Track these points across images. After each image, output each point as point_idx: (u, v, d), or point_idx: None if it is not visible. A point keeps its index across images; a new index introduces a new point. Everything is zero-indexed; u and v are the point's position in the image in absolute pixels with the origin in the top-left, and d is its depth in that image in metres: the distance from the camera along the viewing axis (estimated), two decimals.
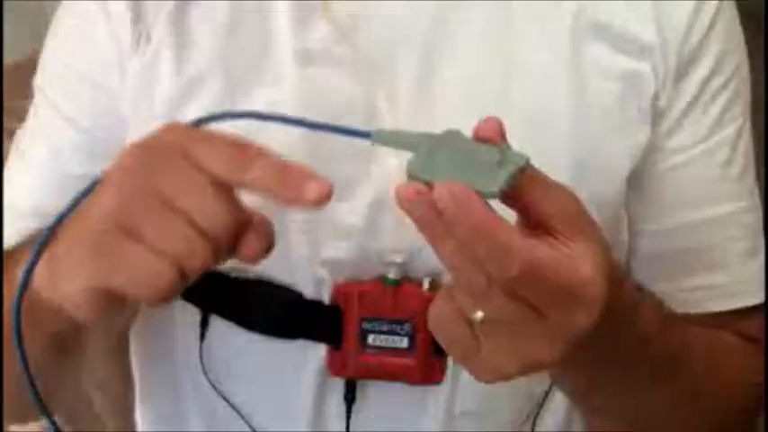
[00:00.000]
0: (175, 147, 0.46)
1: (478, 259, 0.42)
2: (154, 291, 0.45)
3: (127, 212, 0.45)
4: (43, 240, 0.49)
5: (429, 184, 0.42)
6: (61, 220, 0.49)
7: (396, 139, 0.46)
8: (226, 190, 0.45)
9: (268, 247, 0.47)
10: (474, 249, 0.42)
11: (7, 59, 0.96)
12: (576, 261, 0.43)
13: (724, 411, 0.66)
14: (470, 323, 0.45)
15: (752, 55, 0.73)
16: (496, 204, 0.43)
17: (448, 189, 0.41)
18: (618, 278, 0.48)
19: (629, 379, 0.57)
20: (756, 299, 0.67)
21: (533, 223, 0.45)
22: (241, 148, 0.45)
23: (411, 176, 0.44)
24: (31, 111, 0.70)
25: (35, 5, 0.70)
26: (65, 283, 0.47)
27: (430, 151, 0.44)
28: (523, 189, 0.44)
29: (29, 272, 0.49)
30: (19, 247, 0.65)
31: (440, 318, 0.46)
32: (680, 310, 0.67)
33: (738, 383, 0.66)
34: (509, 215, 0.45)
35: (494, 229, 0.41)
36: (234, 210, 0.45)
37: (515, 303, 0.43)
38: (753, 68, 0.72)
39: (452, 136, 0.45)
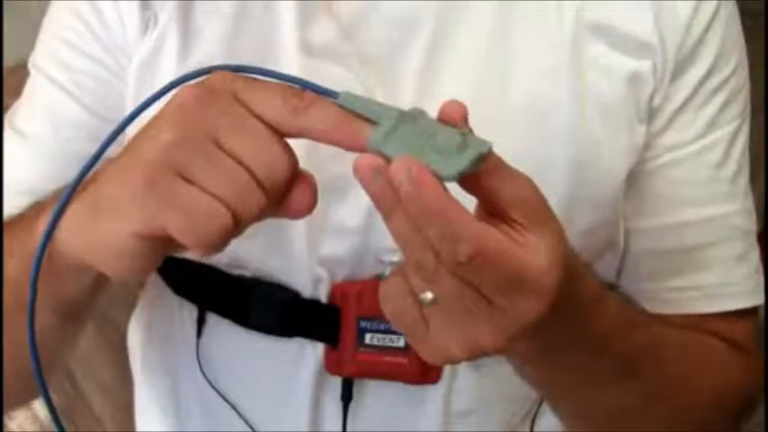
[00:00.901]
0: (232, 92, 0.44)
1: (429, 240, 0.42)
2: (207, 235, 0.43)
3: (182, 151, 0.43)
4: (70, 192, 0.47)
5: (389, 160, 0.42)
6: (89, 168, 0.47)
7: (362, 105, 0.45)
8: (281, 138, 0.44)
9: (314, 204, 0.46)
10: (425, 229, 0.41)
11: (7, 60, 0.96)
12: (528, 251, 0.43)
13: (704, 417, 0.65)
14: (420, 303, 0.45)
15: (752, 55, 0.73)
16: (457, 190, 0.43)
17: (405, 166, 0.41)
18: (576, 271, 0.48)
19: (589, 375, 0.56)
20: (744, 303, 0.67)
21: (491, 211, 0.44)
22: (297, 93, 0.45)
23: (371, 150, 0.44)
24: (27, 89, 0.68)
25: (35, 6, 0.70)
26: (109, 226, 0.44)
27: (393, 127, 0.44)
28: (484, 176, 0.44)
29: (52, 226, 0.47)
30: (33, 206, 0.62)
31: (390, 295, 0.46)
32: (666, 310, 0.67)
33: (721, 389, 0.65)
34: (470, 202, 0.45)
35: (447, 212, 0.41)
36: (289, 159, 0.44)
37: (464, 287, 0.43)
38: (753, 68, 0.72)
39: (418, 115, 0.45)
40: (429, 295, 0.44)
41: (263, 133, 0.44)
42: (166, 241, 0.44)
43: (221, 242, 0.43)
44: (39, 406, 1.08)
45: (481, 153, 0.43)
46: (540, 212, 0.45)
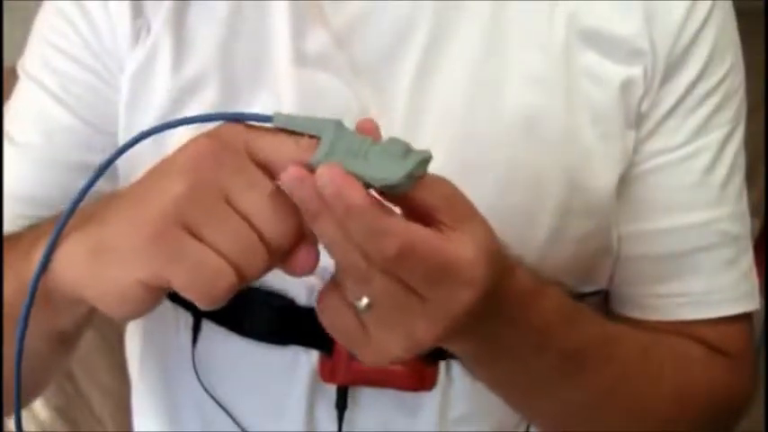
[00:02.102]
0: (244, 144, 0.45)
1: (356, 240, 0.42)
2: (210, 292, 0.43)
3: (193, 207, 0.43)
4: (61, 226, 0.47)
5: None
6: (82, 197, 0.47)
7: (297, 123, 0.46)
8: (289, 198, 0.45)
9: (316, 264, 0.47)
10: (351, 230, 0.42)
11: (7, 61, 0.96)
12: (454, 244, 0.44)
13: (668, 416, 0.64)
14: (356, 310, 0.45)
15: (752, 55, 0.72)
16: None
17: (328, 170, 0.42)
18: (506, 263, 0.49)
19: (536, 372, 0.56)
20: (731, 310, 0.66)
21: (417, 218, 0.45)
22: (305, 143, 0.45)
23: (315, 166, 0.44)
24: (16, 94, 0.67)
25: (34, 6, 0.69)
26: (115, 273, 0.44)
27: (333, 142, 0.44)
28: None
29: (46, 258, 0.47)
30: (30, 230, 0.62)
31: (327, 307, 0.47)
32: (652, 316, 0.66)
33: (698, 395, 0.65)
34: None
35: (370, 210, 0.42)
36: (296, 219, 0.45)
37: (395, 284, 0.44)
38: (753, 68, 0.72)
39: (346, 130, 0.45)
40: (364, 301, 0.45)
41: (272, 193, 0.45)
42: (169, 289, 0.44)
43: (225, 298, 0.44)
44: (39, 406, 1.09)
45: (425, 157, 0.44)
46: (463, 210, 0.46)
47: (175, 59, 0.62)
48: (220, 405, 0.69)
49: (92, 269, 0.46)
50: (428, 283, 0.44)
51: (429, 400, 0.66)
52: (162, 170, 0.45)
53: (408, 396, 0.65)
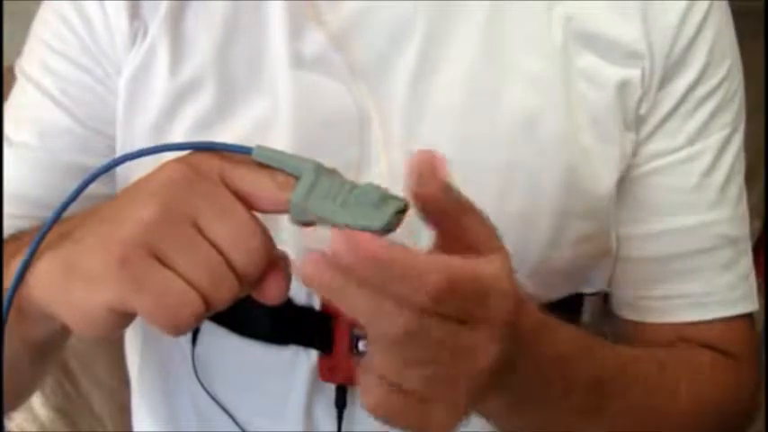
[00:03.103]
0: (219, 172, 0.45)
1: (393, 293, 0.40)
2: (176, 320, 0.43)
3: (161, 232, 0.43)
4: (39, 239, 0.47)
5: (312, 216, 0.44)
6: (59, 215, 0.47)
7: (277, 159, 0.46)
8: (261, 225, 0.44)
9: (286, 292, 0.46)
10: (388, 284, 0.40)
11: (7, 61, 0.96)
12: (483, 264, 0.42)
13: (686, 422, 0.64)
14: (402, 388, 0.43)
15: (752, 55, 0.72)
16: None
17: (339, 239, 0.40)
18: (522, 294, 0.47)
19: (562, 411, 0.55)
20: (730, 311, 0.66)
21: (451, 248, 0.44)
22: (282, 180, 0.45)
23: (294, 208, 0.44)
24: (13, 94, 0.67)
25: (35, 6, 0.69)
26: (82, 295, 0.44)
27: (312, 183, 0.44)
28: (460, 212, 0.44)
29: (21, 274, 0.47)
30: (12, 240, 0.62)
31: (370, 394, 0.44)
32: (651, 318, 0.66)
33: (711, 401, 0.65)
34: None
35: (391, 255, 0.40)
36: (267, 247, 0.44)
37: (440, 322, 0.41)
38: (753, 69, 0.72)
39: (332, 169, 0.45)
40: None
41: (245, 221, 0.44)
42: (137, 314, 0.44)
43: (190, 327, 0.43)
44: (39, 406, 1.08)
45: (399, 207, 0.43)
46: (496, 242, 0.45)
47: (172, 61, 0.62)
48: (219, 404, 0.69)
49: (63, 288, 0.45)
50: (475, 307, 0.42)
51: None
52: (135, 192, 0.45)
53: None
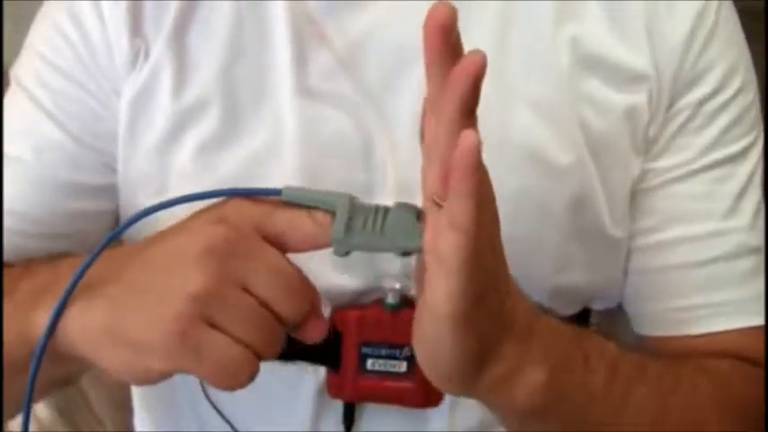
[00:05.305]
0: (255, 226, 0.46)
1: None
2: (236, 381, 0.46)
3: (213, 302, 0.45)
4: (69, 290, 0.48)
5: (351, 248, 0.46)
6: (90, 263, 0.48)
7: (307, 196, 0.47)
8: (303, 275, 0.47)
9: (325, 333, 0.49)
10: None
11: (7, 61, 0.94)
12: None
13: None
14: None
15: (752, 55, 0.72)
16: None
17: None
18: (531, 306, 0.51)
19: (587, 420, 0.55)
20: (755, 321, 0.65)
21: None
22: (319, 218, 0.47)
23: (335, 242, 0.46)
24: (8, 103, 0.66)
25: (35, 6, 0.68)
26: (134, 359, 0.46)
27: (349, 214, 0.46)
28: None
29: (52, 327, 0.48)
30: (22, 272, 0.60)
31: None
32: (675, 331, 0.66)
33: (737, 408, 0.64)
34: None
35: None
36: (311, 295, 0.47)
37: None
38: (753, 69, 0.71)
39: (358, 203, 0.47)
40: None
41: (288, 274, 0.46)
42: None
43: (248, 383, 0.46)
44: (39, 406, 1.08)
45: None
46: None
47: (176, 83, 0.61)
48: (225, 419, 0.69)
49: (108, 349, 0.47)
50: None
51: (437, 414, 0.65)
52: (176, 260, 0.46)
53: (416, 410, 0.65)
